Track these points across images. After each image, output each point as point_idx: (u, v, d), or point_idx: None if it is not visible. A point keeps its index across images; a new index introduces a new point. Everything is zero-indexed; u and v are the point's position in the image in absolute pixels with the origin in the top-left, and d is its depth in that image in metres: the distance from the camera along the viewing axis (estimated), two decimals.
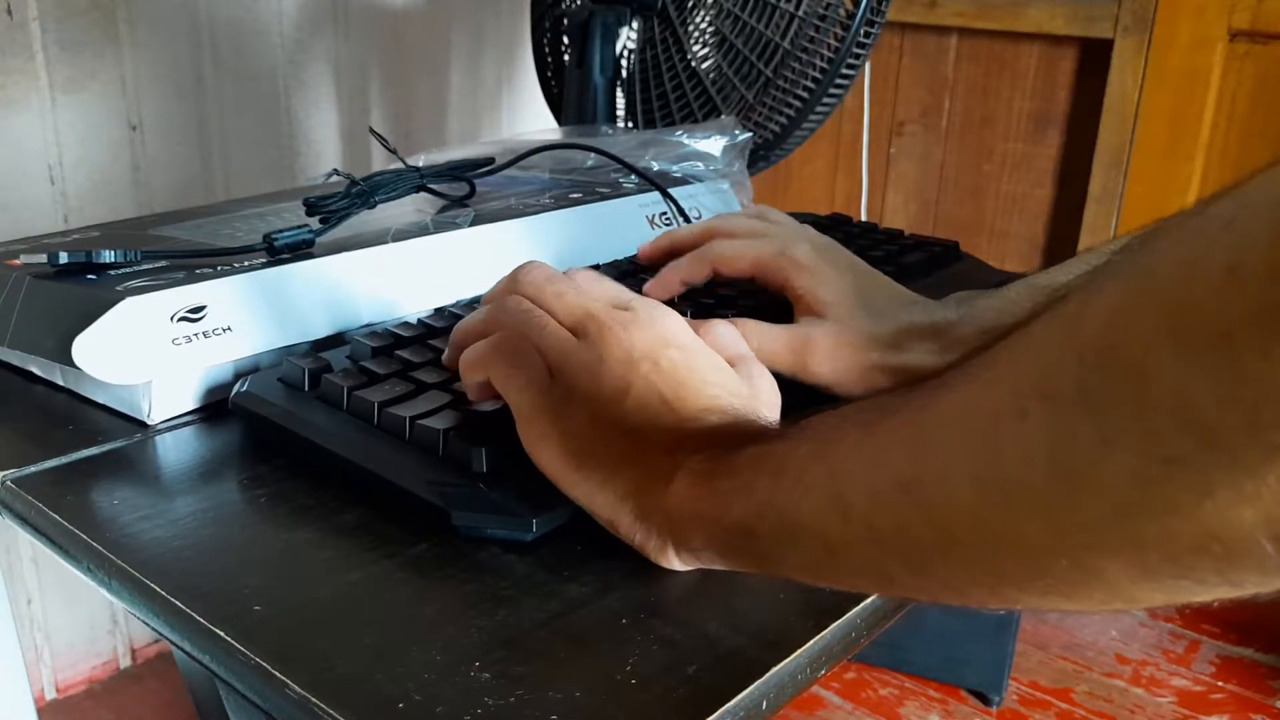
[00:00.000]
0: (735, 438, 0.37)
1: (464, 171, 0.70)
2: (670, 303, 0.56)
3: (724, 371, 0.41)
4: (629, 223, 0.70)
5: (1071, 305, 0.24)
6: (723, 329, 0.44)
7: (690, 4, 0.87)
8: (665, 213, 0.72)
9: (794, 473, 0.33)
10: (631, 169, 0.73)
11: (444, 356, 0.47)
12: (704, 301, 0.56)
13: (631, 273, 0.61)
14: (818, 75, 0.83)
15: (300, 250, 0.56)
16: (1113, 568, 0.24)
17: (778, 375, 0.45)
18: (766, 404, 0.42)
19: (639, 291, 0.57)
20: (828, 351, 0.50)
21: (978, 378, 0.27)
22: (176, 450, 0.48)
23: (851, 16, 0.81)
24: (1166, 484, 0.21)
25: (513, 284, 0.44)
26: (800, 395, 0.49)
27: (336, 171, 0.66)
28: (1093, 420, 0.23)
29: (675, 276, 0.56)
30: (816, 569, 0.33)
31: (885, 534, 0.29)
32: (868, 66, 1.27)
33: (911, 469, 0.28)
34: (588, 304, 0.41)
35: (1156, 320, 0.21)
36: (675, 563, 0.39)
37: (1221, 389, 0.20)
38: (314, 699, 0.32)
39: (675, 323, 0.41)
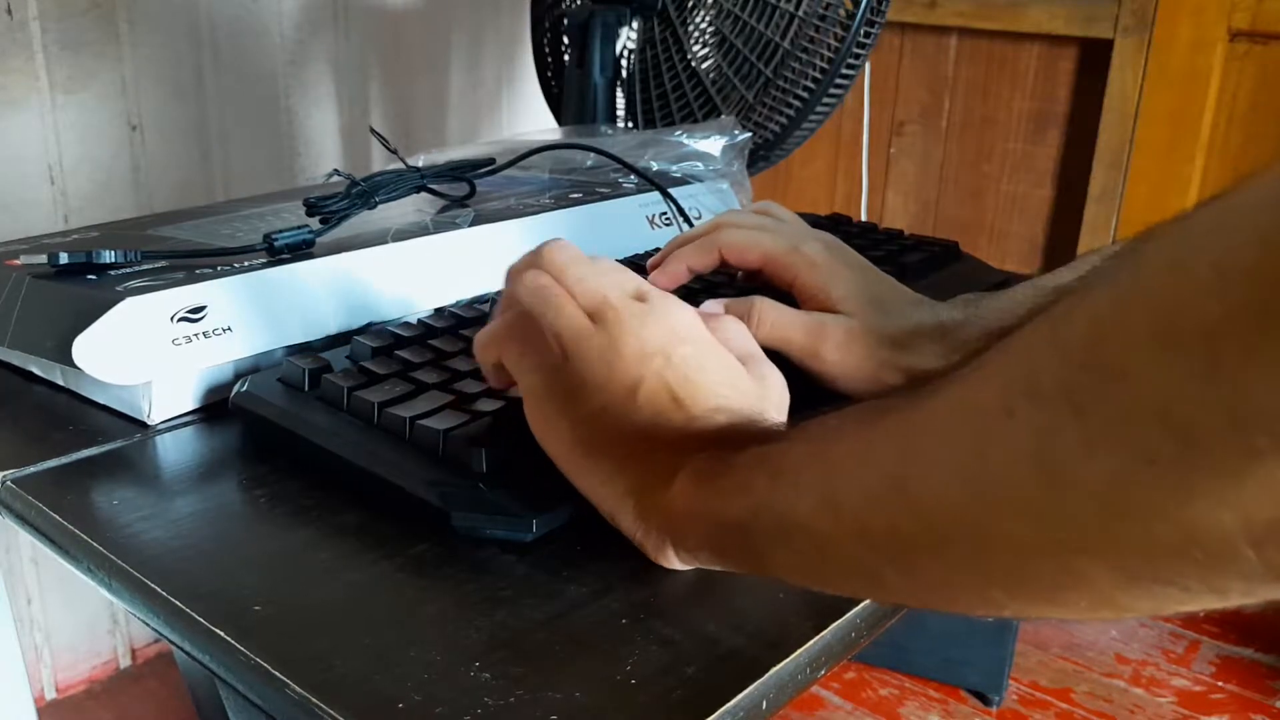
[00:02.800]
0: (740, 438, 0.37)
1: (464, 171, 0.70)
2: (681, 288, 0.56)
3: (734, 370, 0.41)
4: (629, 223, 0.70)
5: (1061, 306, 0.24)
6: (733, 326, 0.44)
7: (690, 4, 0.87)
8: (665, 213, 0.72)
9: (790, 472, 0.33)
10: (631, 169, 0.73)
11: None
12: (713, 280, 0.56)
13: (636, 269, 0.61)
14: (818, 75, 0.83)
15: (300, 250, 0.56)
16: (1097, 571, 0.24)
17: (788, 370, 0.45)
18: (775, 403, 0.42)
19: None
20: (841, 341, 0.50)
21: (968, 378, 0.27)
22: (176, 450, 0.48)
23: (851, 16, 0.81)
24: (1147, 485, 0.21)
25: (535, 259, 0.43)
26: (809, 395, 0.49)
27: (337, 172, 0.66)
28: (1076, 420, 0.23)
29: (681, 264, 0.55)
30: (808, 570, 0.33)
31: (875, 533, 0.29)
32: (868, 66, 1.27)
33: (901, 467, 0.28)
34: (606, 291, 0.41)
35: (1141, 320, 0.21)
36: (674, 561, 0.39)
37: (1203, 389, 0.20)
38: (314, 699, 0.32)
39: (689, 317, 0.41)
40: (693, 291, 0.57)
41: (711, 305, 0.51)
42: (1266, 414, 0.19)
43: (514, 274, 0.43)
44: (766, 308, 0.50)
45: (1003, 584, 0.27)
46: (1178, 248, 0.21)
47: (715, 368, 0.40)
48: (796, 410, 0.42)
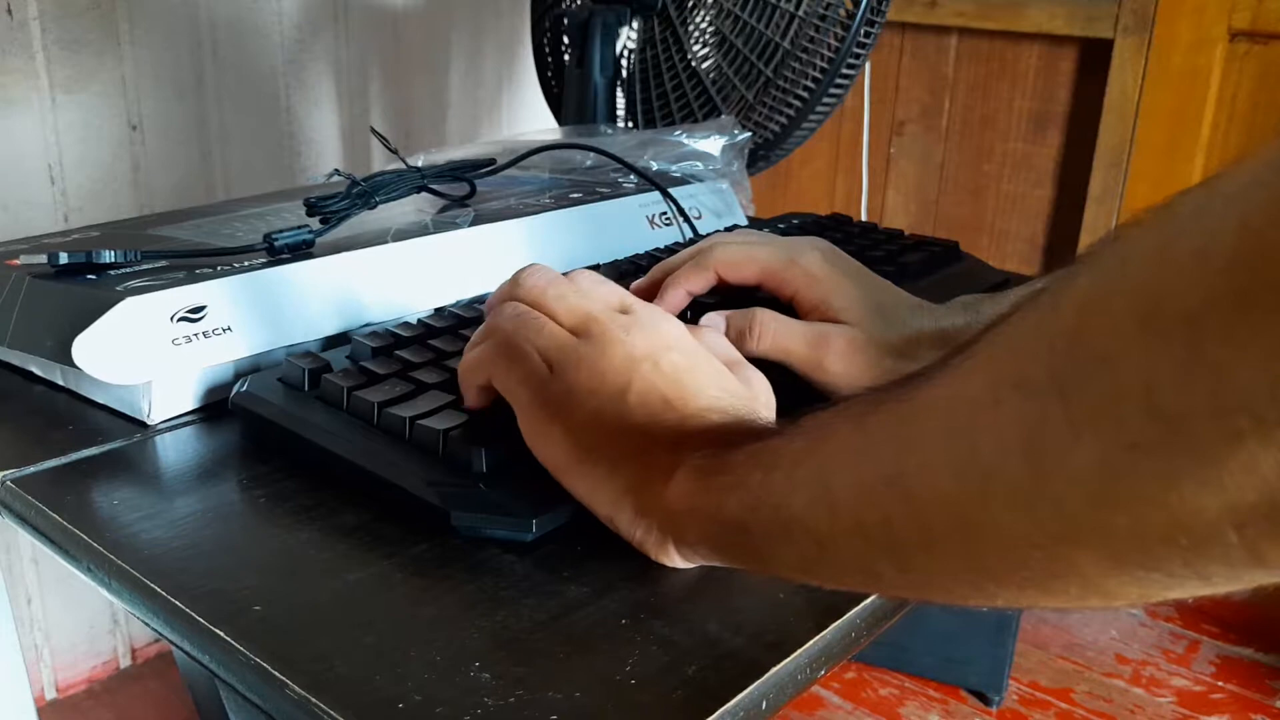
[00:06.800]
0: (735, 435, 0.37)
1: (464, 171, 0.70)
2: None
3: (723, 374, 0.41)
4: (629, 223, 0.70)
5: (1047, 295, 0.24)
6: (713, 335, 0.45)
7: (690, 4, 0.87)
8: (665, 213, 0.72)
9: (786, 468, 0.33)
10: (631, 169, 0.73)
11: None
12: (705, 301, 0.56)
13: (631, 273, 0.61)
14: (818, 75, 0.83)
15: (300, 250, 0.56)
16: (1086, 559, 0.24)
17: (780, 377, 0.45)
18: (764, 405, 0.42)
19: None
20: (843, 352, 0.50)
21: (958, 368, 0.27)
22: (176, 450, 0.48)
23: (851, 16, 0.81)
24: (1133, 472, 0.21)
25: (513, 287, 0.44)
26: (798, 397, 0.49)
27: (337, 171, 0.66)
28: (1063, 407, 0.23)
29: (680, 289, 0.53)
30: (807, 565, 0.33)
31: (871, 529, 0.29)
32: (868, 66, 1.27)
33: (895, 462, 0.28)
34: (588, 306, 0.42)
35: (1125, 305, 0.21)
36: (675, 559, 0.39)
37: (1185, 374, 0.20)
38: (314, 699, 0.32)
39: (676, 327, 0.41)
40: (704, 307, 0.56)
41: (712, 318, 0.50)
42: (1247, 397, 0.19)
43: (493, 306, 0.44)
44: (768, 319, 0.50)
45: (995, 576, 0.27)
46: (1161, 234, 0.22)
47: (704, 371, 0.40)
48: (787, 412, 0.42)
